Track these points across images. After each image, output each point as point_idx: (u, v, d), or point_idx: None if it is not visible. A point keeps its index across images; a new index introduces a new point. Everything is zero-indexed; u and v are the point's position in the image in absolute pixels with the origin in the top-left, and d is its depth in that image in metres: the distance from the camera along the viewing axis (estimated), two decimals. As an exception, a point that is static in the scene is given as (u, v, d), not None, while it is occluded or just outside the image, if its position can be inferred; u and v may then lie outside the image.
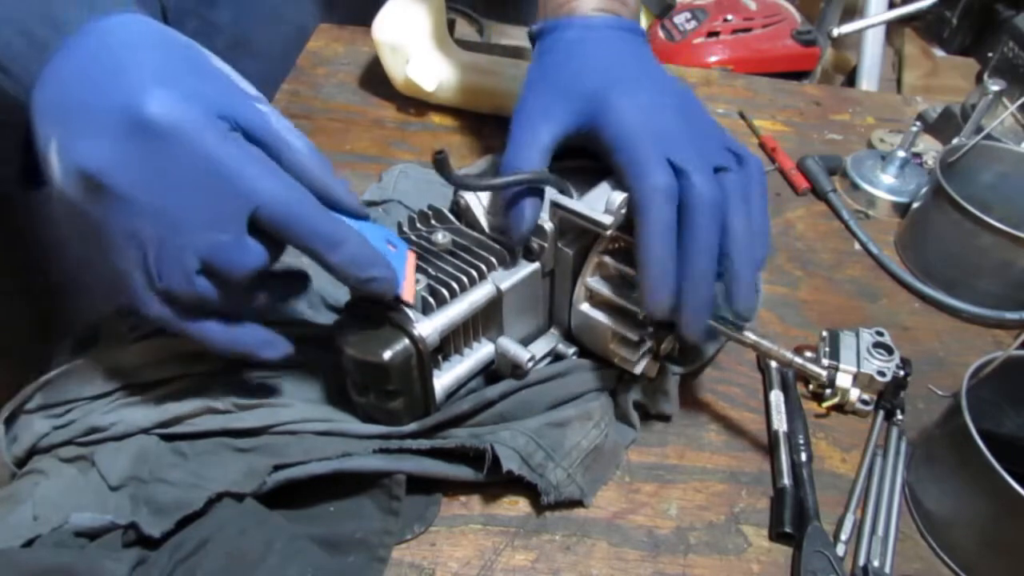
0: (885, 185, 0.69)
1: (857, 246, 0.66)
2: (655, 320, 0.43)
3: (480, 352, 0.47)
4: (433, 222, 0.48)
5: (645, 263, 0.40)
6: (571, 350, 0.49)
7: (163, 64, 0.35)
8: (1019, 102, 0.69)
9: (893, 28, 1.86)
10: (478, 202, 0.48)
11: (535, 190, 0.42)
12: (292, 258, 0.46)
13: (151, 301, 0.37)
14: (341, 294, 0.52)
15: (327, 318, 0.51)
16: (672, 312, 0.41)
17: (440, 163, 0.39)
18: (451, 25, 1.02)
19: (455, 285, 0.43)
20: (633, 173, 0.41)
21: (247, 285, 0.38)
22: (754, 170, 0.44)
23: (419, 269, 0.43)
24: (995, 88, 0.68)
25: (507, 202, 0.43)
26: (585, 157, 0.46)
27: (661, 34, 1.77)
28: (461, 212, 0.48)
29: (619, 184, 0.42)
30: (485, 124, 0.74)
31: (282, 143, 0.37)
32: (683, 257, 0.41)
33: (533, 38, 0.51)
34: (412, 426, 0.43)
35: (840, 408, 0.52)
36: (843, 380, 0.51)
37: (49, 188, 0.36)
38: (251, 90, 0.38)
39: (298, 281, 0.44)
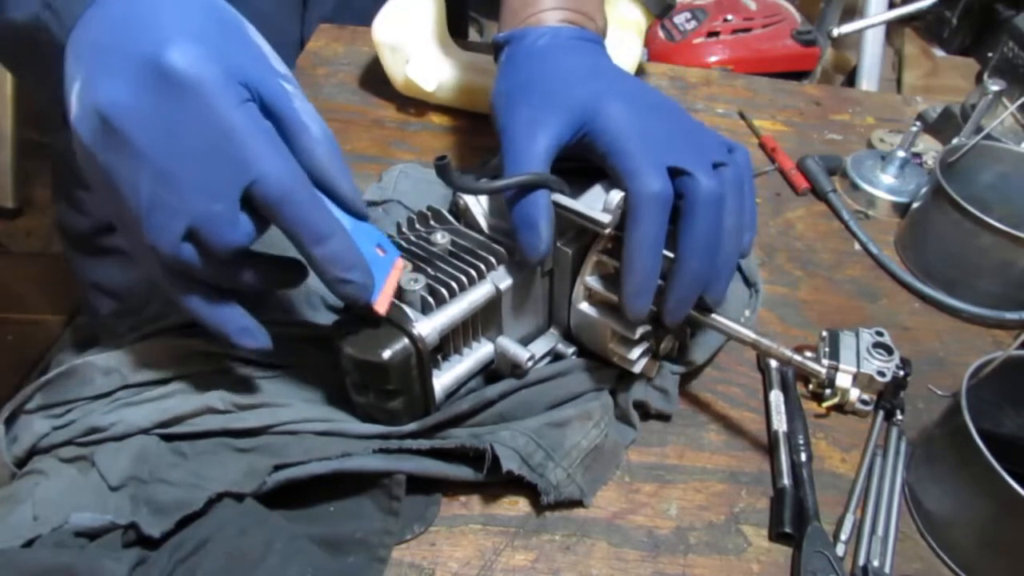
0: (885, 185, 0.69)
1: (857, 246, 0.66)
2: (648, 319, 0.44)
3: (479, 352, 0.47)
4: (432, 222, 0.48)
5: (629, 271, 0.41)
6: (570, 349, 0.49)
7: (197, 21, 0.35)
8: (1019, 102, 0.69)
9: (893, 28, 1.86)
10: (477, 203, 0.48)
11: (549, 205, 0.42)
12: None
13: (146, 257, 0.37)
14: (341, 294, 0.52)
15: (327, 318, 0.51)
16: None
17: (442, 169, 0.39)
18: (456, 24, 1.02)
19: (454, 285, 0.43)
20: (629, 178, 0.41)
21: (231, 261, 0.38)
22: (742, 159, 0.45)
23: (418, 269, 0.43)
24: (995, 88, 0.68)
25: (521, 221, 0.42)
26: (575, 159, 0.46)
27: (661, 34, 1.77)
28: (460, 213, 0.48)
29: (614, 186, 0.42)
30: (485, 124, 0.74)
31: (299, 124, 0.37)
32: (678, 255, 0.41)
33: (498, 47, 0.51)
34: (412, 426, 0.43)
35: (840, 408, 0.52)
36: (843, 380, 0.51)
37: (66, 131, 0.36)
38: (281, 67, 0.38)
39: (292, 272, 0.43)
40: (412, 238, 0.46)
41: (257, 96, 0.36)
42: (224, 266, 0.38)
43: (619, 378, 0.49)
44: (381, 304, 0.40)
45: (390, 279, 0.41)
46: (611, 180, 0.43)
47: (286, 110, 0.36)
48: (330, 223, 0.37)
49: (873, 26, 1.50)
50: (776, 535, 0.44)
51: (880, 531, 0.44)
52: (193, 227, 0.35)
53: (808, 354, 0.51)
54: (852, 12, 1.70)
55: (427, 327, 0.41)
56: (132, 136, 0.34)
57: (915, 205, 0.64)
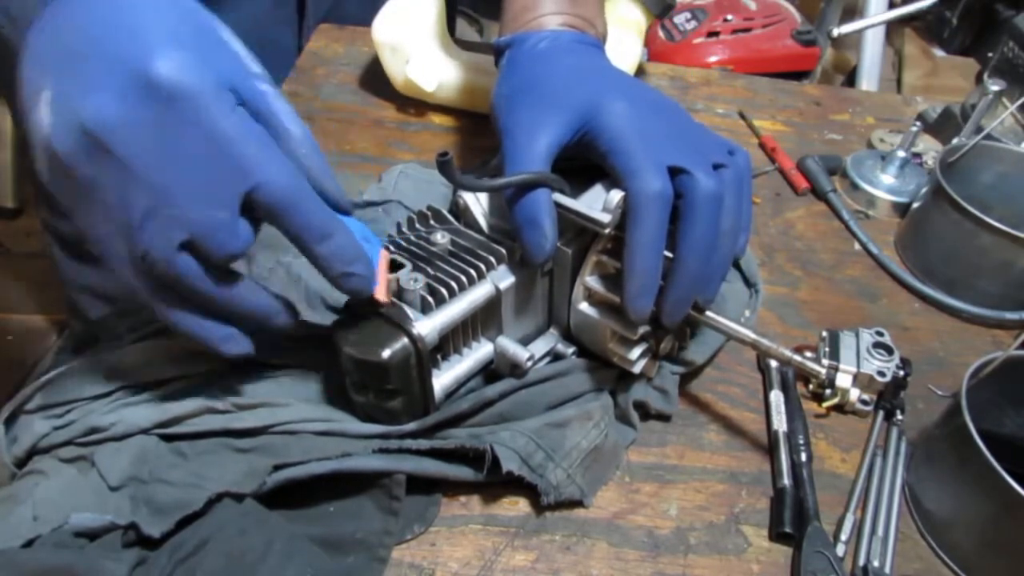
0: (885, 185, 0.69)
1: (857, 246, 0.66)
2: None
3: (479, 352, 0.47)
4: (432, 222, 0.48)
5: (631, 271, 0.41)
6: (570, 349, 0.49)
7: (176, 26, 0.34)
8: (1019, 102, 0.69)
9: (893, 28, 1.86)
10: (477, 202, 0.48)
11: (552, 204, 0.42)
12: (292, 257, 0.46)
13: (125, 269, 0.36)
14: (340, 294, 0.52)
15: (326, 318, 0.51)
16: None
17: (444, 165, 0.39)
18: (452, 24, 1.03)
19: (454, 284, 0.43)
20: (629, 178, 0.41)
21: (229, 275, 0.37)
22: (742, 161, 0.45)
23: (418, 269, 0.43)
24: (995, 88, 0.68)
25: (524, 221, 0.42)
26: (576, 159, 0.46)
27: (661, 34, 1.77)
28: (460, 212, 0.48)
29: (614, 186, 0.42)
30: (485, 124, 0.74)
31: (281, 126, 0.37)
32: (677, 255, 0.42)
33: (499, 51, 0.51)
34: (411, 425, 0.43)
35: (840, 408, 0.52)
36: (843, 380, 0.51)
37: (30, 138, 0.34)
38: (256, 67, 0.37)
39: (283, 313, 0.42)
40: (412, 238, 0.46)
41: (241, 100, 0.35)
42: (220, 279, 0.37)
43: (619, 378, 0.49)
44: (381, 293, 0.40)
45: (380, 268, 0.41)
46: (611, 180, 0.43)
47: (268, 112, 0.36)
48: (331, 220, 0.37)
49: (873, 26, 1.50)
50: (776, 535, 0.44)
51: (880, 531, 0.44)
52: (192, 237, 0.34)
53: (808, 354, 0.51)
54: (852, 12, 1.70)
55: (427, 327, 0.41)
56: (125, 152, 0.33)
57: (915, 205, 0.64)
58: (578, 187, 0.46)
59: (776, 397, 0.51)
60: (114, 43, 0.33)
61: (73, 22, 0.33)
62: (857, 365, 0.51)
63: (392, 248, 0.44)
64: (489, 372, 0.48)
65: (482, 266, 0.44)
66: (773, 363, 0.53)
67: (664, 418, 0.50)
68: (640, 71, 0.82)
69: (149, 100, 0.32)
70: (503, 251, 0.45)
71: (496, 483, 0.44)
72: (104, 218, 0.35)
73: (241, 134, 0.34)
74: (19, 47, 0.34)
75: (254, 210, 0.35)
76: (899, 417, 0.51)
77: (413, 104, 0.76)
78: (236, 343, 0.40)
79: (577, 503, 0.45)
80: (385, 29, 0.70)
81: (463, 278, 0.43)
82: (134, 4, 0.34)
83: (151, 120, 0.33)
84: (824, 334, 0.54)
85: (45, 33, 0.33)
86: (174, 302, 0.38)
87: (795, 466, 0.47)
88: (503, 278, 0.44)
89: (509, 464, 0.42)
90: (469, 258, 0.44)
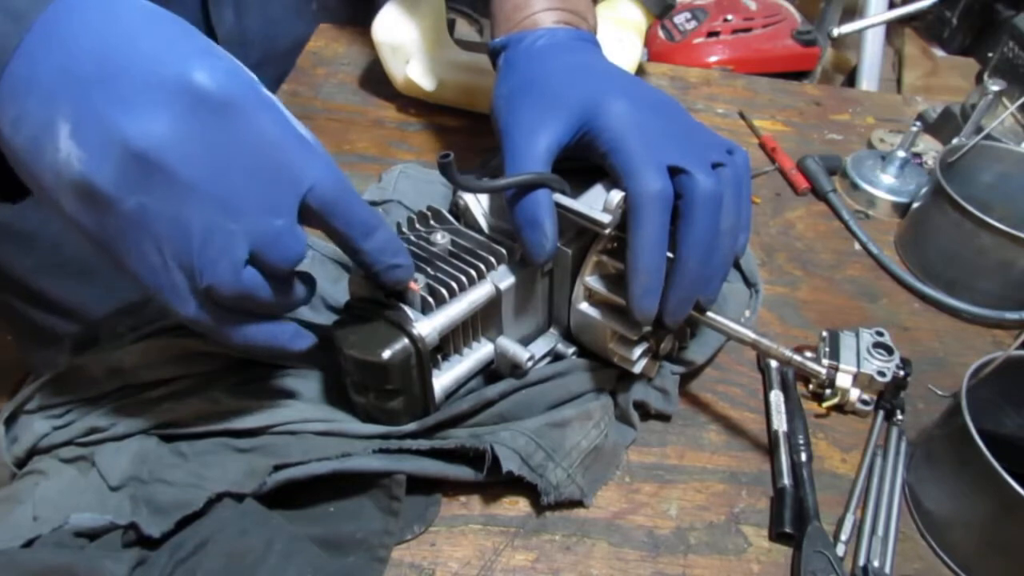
0: (885, 185, 0.69)
1: (857, 246, 0.66)
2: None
3: (479, 352, 0.47)
4: (432, 222, 0.48)
5: (635, 272, 0.41)
6: (570, 350, 0.49)
7: (190, 36, 0.32)
8: (1019, 102, 0.69)
9: (893, 28, 1.86)
10: (477, 203, 0.48)
11: (552, 204, 0.42)
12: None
13: (190, 302, 0.34)
14: (340, 294, 0.52)
15: (327, 318, 0.51)
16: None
17: (445, 167, 0.39)
18: (451, 25, 1.03)
19: (454, 285, 0.43)
20: (629, 177, 0.41)
21: (289, 276, 0.37)
22: (741, 160, 0.45)
23: (419, 269, 0.43)
24: (995, 88, 0.68)
25: (525, 221, 0.42)
26: (576, 159, 0.46)
27: (661, 34, 1.77)
28: (460, 213, 0.48)
29: (614, 186, 0.42)
30: (485, 124, 0.74)
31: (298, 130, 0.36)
32: (677, 255, 0.41)
33: (495, 53, 0.51)
34: (412, 426, 0.43)
35: (840, 408, 0.52)
36: (843, 380, 0.51)
37: (44, 183, 0.31)
38: (252, 75, 0.37)
39: (312, 285, 0.42)
40: (412, 238, 0.46)
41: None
42: (283, 283, 0.37)
43: (619, 378, 0.49)
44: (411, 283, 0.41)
45: None
46: (611, 180, 0.43)
47: (285, 115, 0.35)
48: (374, 215, 0.37)
49: (873, 26, 1.50)
50: (776, 535, 0.44)
51: (880, 531, 0.44)
52: (255, 249, 0.33)
53: (808, 354, 0.51)
54: (852, 12, 1.70)
55: (427, 327, 0.41)
56: (180, 169, 0.31)
57: (915, 205, 0.64)
58: (578, 187, 0.46)
59: (776, 397, 0.51)
60: (140, 58, 0.30)
61: (79, 47, 0.30)
62: (857, 365, 0.51)
63: None
64: (489, 372, 0.48)
65: (482, 266, 0.44)
66: (773, 363, 0.53)
67: (664, 418, 0.50)
68: (640, 71, 0.82)
69: (198, 111, 0.31)
70: (503, 251, 0.45)
71: (496, 483, 0.44)
72: (158, 250, 0.32)
73: (289, 138, 0.34)
74: None
75: (305, 212, 0.35)
76: (899, 417, 0.51)
77: (413, 104, 0.76)
78: (304, 337, 0.40)
79: (577, 503, 0.45)
80: (385, 29, 0.70)
81: (463, 278, 0.43)
82: (138, 21, 0.32)
83: (203, 132, 0.31)
84: (824, 334, 0.54)
85: (40, 64, 0.30)
86: (239, 320, 0.36)
87: (795, 466, 0.47)
88: (503, 278, 0.44)
89: (509, 464, 0.42)
90: (469, 258, 0.44)
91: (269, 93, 0.35)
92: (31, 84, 0.30)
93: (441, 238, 0.45)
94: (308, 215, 0.35)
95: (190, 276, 0.33)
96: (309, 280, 0.41)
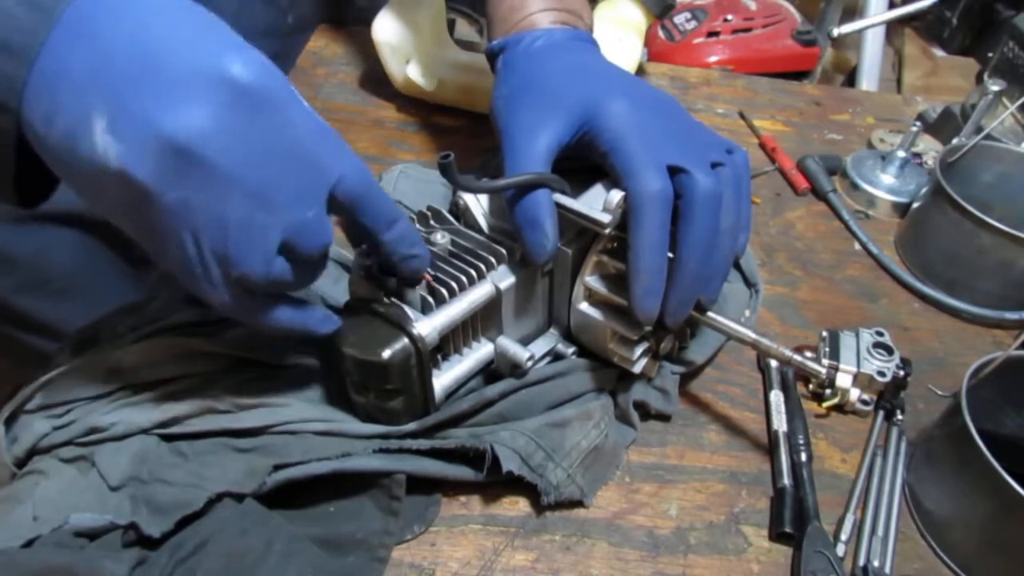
0: (885, 185, 0.69)
1: (857, 246, 0.66)
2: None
3: (479, 352, 0.47)
4: (432, 222, 0.48)
5: (636, 272, 0.41)
6: (570, 349, 0.49)
7: (220, 29, 0.32)
8: (1019, 102, 0.69)
9: (893, 28, 1.86)
10: (477, 203, 0.48)
11: (552, 204, 0.42)
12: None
13: (224, 292, 0.35)
14: (340, 294, 0.52)
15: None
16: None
17: (445, 167, 0.39)
18: (451, 25, 1.03)
19: (454, 285, 0.43)
20: (629, 177, 0.41)
21: (316, 263, 0.37)
22: (741, 160, 0.46)
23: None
24: (995, 88, 0.68)
25: (525, 221, 0.42)
26: (576, 159, 0.46)
27: (661, 34, 1.77)
28: (460, 213, 0.48)
29: (614, 186, 0.42)
30: (485, 124, 0.74)
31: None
32: (678, 255, 0.42)
33: (493, 55, 0.51)
34: (412, 426, 0.43)
35: (840, 408, 0.52)
36: (843, 380, 0.51)
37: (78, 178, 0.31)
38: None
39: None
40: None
41: None
42: (310, 268, 0.38)
43: (619, 378, 0.49)
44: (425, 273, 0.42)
45: None
46: (611, 179, 0.43)
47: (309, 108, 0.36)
48: (394, 206, 0.38)
49: (873, 26, 1.49)
50: (776, 535, 0.44)
51: (880, 531, 0.44)
52: (286, 239, 0.34)
53: (808, 354, 0.51)
54: (852, 12, 1.70)
55: (427, 327, 0.41)
56: (221, 161, 0.31)
57: (915, 205, 0.64)
58: (578, 187, 0.46)
59: (776, 397, 0.51)
60: (174, 52, 0.30)
61: (111, 40, 0.30)
62: (857, 365, 0.51)
63: None
64: (489, 372, 0.48)
65: (482, 266, 0.44)
66: (773, 363, 0.53)
67: (664, 418, 0.50)
68: (640, 71, 0.82)
69: (237, 104, 0.31)
70: (503, 251, 0.45)
71: (496, 483, 0.44)
72: (195, 242, 0.33)
73: (320, 130, 0.34)
74: (20, 83, 0.30)
75: (332, 203, 0.36)
76: (899, 417, 0.51)
77: (413, 104, 0.76)
78: (330, 320, 0.41)
79: (577, 503, 0.45)
80: (385, 29, 0.70)
81: (463, 278, 0.43)
82: (169, 14, 0.31)
83: (241, 125, 0.31)
84: (824, 334, 0.54)
85: (71, 58, 0.30)
86: (269, 306, 0.38)
87: (795, 466, 0.47)
88: (503, 278, 0.44)
89: (509, 464, 0.42)
90: (469, 258, 0.44)
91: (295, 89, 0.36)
92: (62, 78, 0.30)
93: (441, 238, 0.45)
94: (335, 206, 0.36)
95: (224, 266, 0.34)
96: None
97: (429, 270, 0.43)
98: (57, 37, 0.30)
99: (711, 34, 1.72)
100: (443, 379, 0.45)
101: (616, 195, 0.41)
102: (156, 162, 0.30)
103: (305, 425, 0.43)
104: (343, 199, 0.36)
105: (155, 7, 0.31)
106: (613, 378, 0.49)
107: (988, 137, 0.63)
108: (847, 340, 0.53)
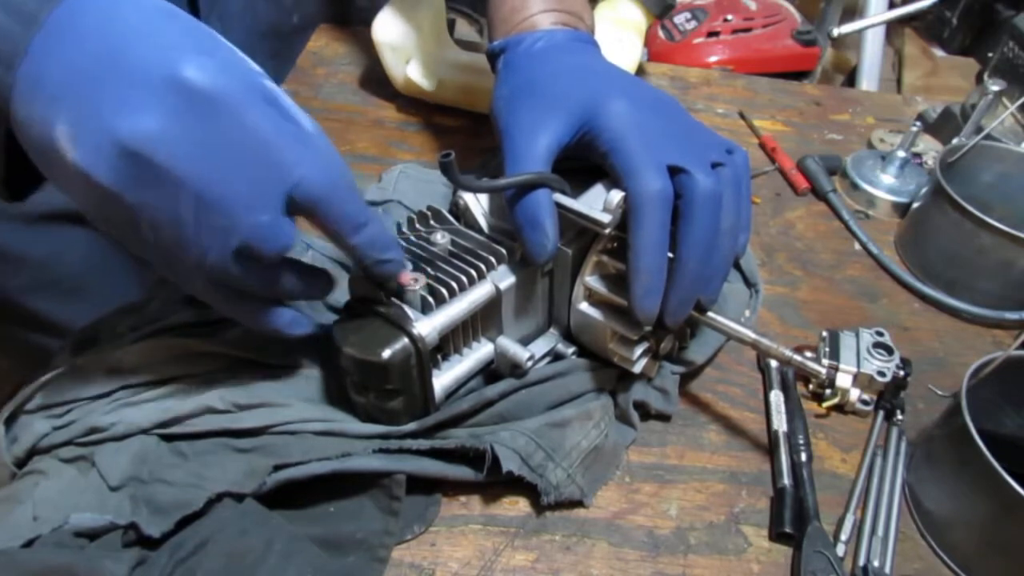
0: (885, 185, 0.69)
1: (857, 246, 0.66)
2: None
3: (479, 352, 0.47)
4: (432, 222, 0.48)
5: (636, 272, 0.41)
6: (570, 349, 0.49)
7: (190, 32, 0.33)
8: (1019, 102, 0.69)
9: (893, 28, 1.86)
10: (477, 203, 0.48)
11: (552, 204, 0.42)
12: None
13: (196, 281, 0.37)
14: (340, 294, 0.52)
15: (327, 318, 0.51)
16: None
17: (446, 166, 0.39)
18: (451, 25, 1.03)
19: (454, 285, 0.43)
20: (629, 177, 0.41)
21: (276, 266, 0.38)
22: (741, 160, 0.46)
23: (419, 269, 0.43)
24: (995, 88, 0.68)
25: (525, 221, 0.42)
26: (576, 159, 0.46)
27: (661, 34, 1.77)
28: (460, 212, 0.48)
29: (614, 186, 0.42)
30: (485, 124, 0.74)
31: (293, 121, 0.36)
32: (678, 255, 0.42)
33: (493, 56, 0.51)
34: (411, 426, 0.43)
35: (840, 408, 0.52)
36: (843, 380, 0.51)
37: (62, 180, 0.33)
38: (256, 67, 0.37)
39: (322, 280, 0.43)
40: (412, 238, 0.46)
41: (265, 100, 0.35)
42: (269, 271, 0.38)
43: (619, 378, 0.49)
44: (405, 277, 0.42)
45: None
46: (611, 179, 0.43)
47: (284, 108, 0.36)
48: (364, 210, 0.38)
49: (873, 26, 1.50)
50: (776, 535, 0.44)
51: (880, 531, 0.44)
52: (243, 241, 0.34)
53: (808, 354, 0.51)
54: (852, 12, 1.70)
55: (427, 327, 0.41)
56: (171, 166, 0.32)
57: (915, 205, 0.64)
58: (578, 187, 0.46)
59: (776, 397, 0.51)
60: (134, 57, 0.31)
61: (81, 47, 0.31)
62: (857, 365, 0.51)
63: None
64: (489, 372, 0.48)
65: (482, 266, 0.44)
66: (773, 363, 0.53)
67: (664, 418, 0.50)
68: (640, 71, 0.82)
69: (187, 107, 0.31)
70: (503, 251, 0.45)
71: (496, 483, 0.44)
72: (162, 238, 0.34)
73: (278, 133, 0.34)
74: (7, 89, 0.31)
75: (293, 206, 0.36)
76: (899, 417, 0.51)
77: (413, 104, 0.76)
78: (300, 325, 0.42)
79: (577, 503, 0.45)
80: (385, 29, 0.70)
81: (463, 278, 0.43)
82: (136, 13, 0.32)
83: (194, 129, 0.32)
84: (824, 334, 0.54)
85: (47, 65, 0.31)
86: (237, 301, 0.39)
87: (795, 466, 0.47)
88: (503, 278, 0.44)
89: (509, 464, 0.42)
90: (469, 258, 0.44)
91: (273, 85, 0.35)
92: (38, 85, 0.31)
93: (441, 238, 0.45)
94: (296, 209, 0.36)
95: (192, 258, 0.35)
96: (328, 280, 0.43)
97: (420, 276, 0.42)
98: (38, 43, 0.31)
99: (711, 34, 1.72)
100: (443, 379, 0.45)
101: (616, 195, 0.41)
102: (111, 166, 0.31)
103: (305, 425, 0.43)
104: (303, 202, 0.35)
105: (128, 13, 0.32)
106: (613, 378, 0.49)
107: (988, 137, 0.63)
108: (847, 340, 0.53)
